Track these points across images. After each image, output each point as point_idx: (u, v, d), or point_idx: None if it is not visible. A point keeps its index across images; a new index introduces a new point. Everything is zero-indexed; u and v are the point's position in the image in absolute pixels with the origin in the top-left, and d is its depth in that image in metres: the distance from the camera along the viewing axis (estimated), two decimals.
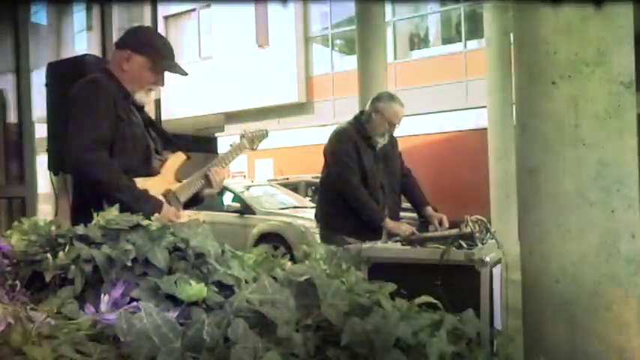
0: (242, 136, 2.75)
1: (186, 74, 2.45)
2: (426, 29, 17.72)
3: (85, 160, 2.18)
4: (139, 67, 2.36)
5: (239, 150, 2.71)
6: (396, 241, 2.81)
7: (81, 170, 2.23)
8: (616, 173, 2.01)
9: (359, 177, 3.45)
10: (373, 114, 3.52)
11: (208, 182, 2.48)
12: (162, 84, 2.45)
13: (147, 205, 2.17)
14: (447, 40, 17.12)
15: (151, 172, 2.37)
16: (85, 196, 2.25)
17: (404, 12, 17.04)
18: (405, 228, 3.32)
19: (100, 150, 2.21)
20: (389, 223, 3.39)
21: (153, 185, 2.29)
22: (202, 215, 2.15)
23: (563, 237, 2.05)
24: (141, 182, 2.26)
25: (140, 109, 2.44)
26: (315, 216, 3.83)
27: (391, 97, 3.58)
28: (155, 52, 2.38)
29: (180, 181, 2.45)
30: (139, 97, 2.40)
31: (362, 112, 3.67)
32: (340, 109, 16.26)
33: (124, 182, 2.21)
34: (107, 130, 2.23)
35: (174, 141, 2.58)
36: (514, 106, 2.28)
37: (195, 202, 2.51)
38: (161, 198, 2.30)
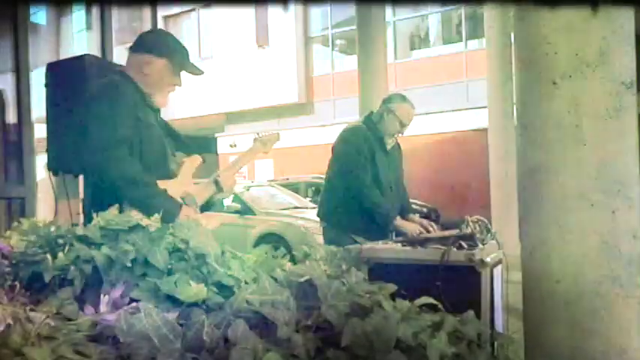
0: (255, 140, 2.74)
1: (202, 72, 2.46)
2: (427, 29, 17.73)
3: (106, 158, 2.16)
4: (160, 70, 2.36)
5: (252, 154, 2.71)
6: (397, 242, 2.81)
7: (102, 168, 2.19)
8: (617, 173, 2.01)
9: (371, 176, 3.46)
10: (385, 114, 3.52)
11: (219, 188, 2.48)
12: (180, 84, 2.46)
13: (168, 204, 2.15)
14: (447, 40, 17.13)
15: (168, 174, 2.37)
16: (101, 197, 2.21)
17: (404, 12, 17.04)
18: (413, 227, 3.33)
19: (121, 148, 2.19)
20: (399, 222, 3.40)
21: (171, 188, 2.28)
22: (218, 218, 2.14)
23: (564, 237, 2.04)
24: (160, 184, 2.25)
25: (156, 112, 2.45)
26: (319, 214, 3.80)
27: (403, 98, 3.60)
28: (175, 54, 2.39)
29: (196, 184, 2.46)
30: (159, 99, 2.41)
31: (371, 113, 3.67)
32: (340, 109, 16.28)
33: (145, 180, 2.19)
34: (127, 131, 2.22)
35: (187, 143, 2.58)
36: (514, 106, 2.28)
37: (205, 207, 2.50)
38: (180, 200, 2.29)
